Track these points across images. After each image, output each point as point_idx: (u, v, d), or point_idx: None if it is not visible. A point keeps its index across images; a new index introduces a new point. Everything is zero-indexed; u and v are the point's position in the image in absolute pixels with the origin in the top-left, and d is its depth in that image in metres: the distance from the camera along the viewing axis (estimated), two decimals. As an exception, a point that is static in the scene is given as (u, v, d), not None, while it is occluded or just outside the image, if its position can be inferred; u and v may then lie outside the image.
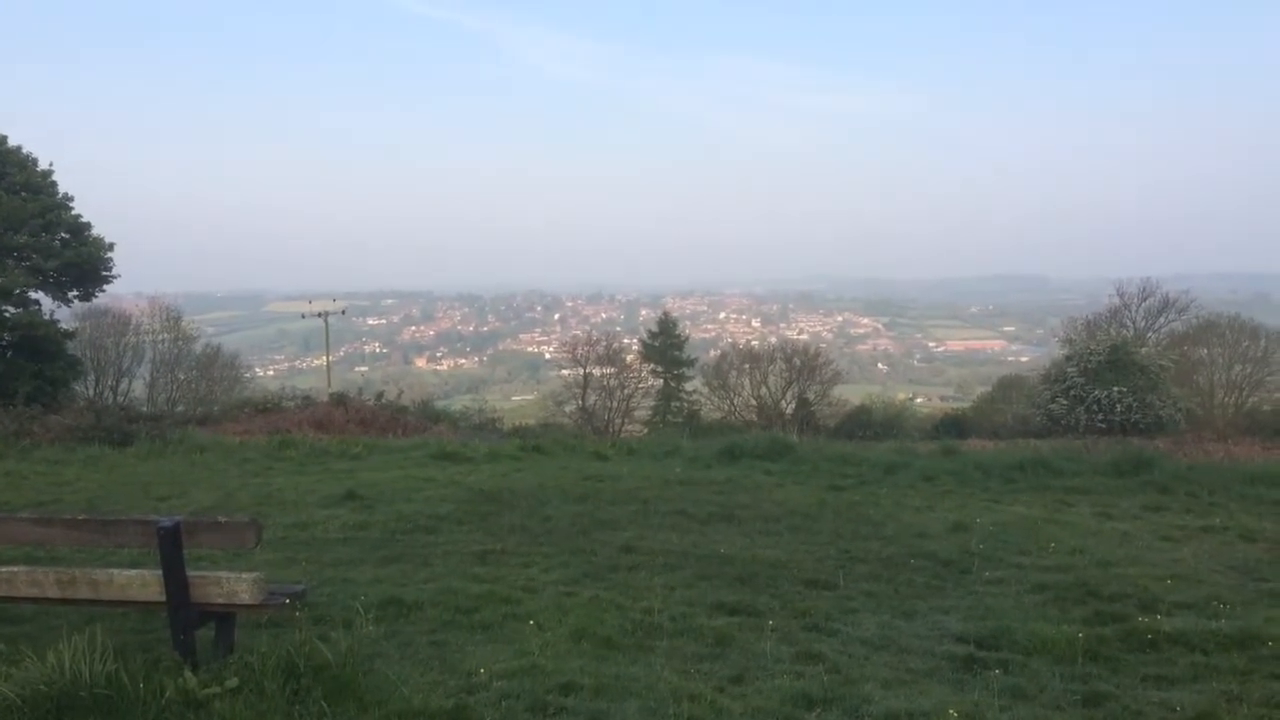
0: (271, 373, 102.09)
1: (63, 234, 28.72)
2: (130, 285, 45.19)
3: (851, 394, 51.92)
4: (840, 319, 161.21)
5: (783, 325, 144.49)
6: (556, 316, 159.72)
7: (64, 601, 5.79)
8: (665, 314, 60.91)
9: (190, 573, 5.46)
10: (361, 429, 26.09)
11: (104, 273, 29.50)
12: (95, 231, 29.37)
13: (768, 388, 46.30)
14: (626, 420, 47.26)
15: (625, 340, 63.06)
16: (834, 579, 8.25)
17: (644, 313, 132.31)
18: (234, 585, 5.45)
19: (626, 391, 48.52)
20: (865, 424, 36.03)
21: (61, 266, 28.25)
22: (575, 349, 50.43)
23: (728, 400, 47.10)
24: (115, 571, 5.64)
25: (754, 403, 45.94)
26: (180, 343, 43.95)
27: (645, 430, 43.82)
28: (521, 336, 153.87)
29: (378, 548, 9.42)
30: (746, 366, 47.74)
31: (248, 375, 54.01)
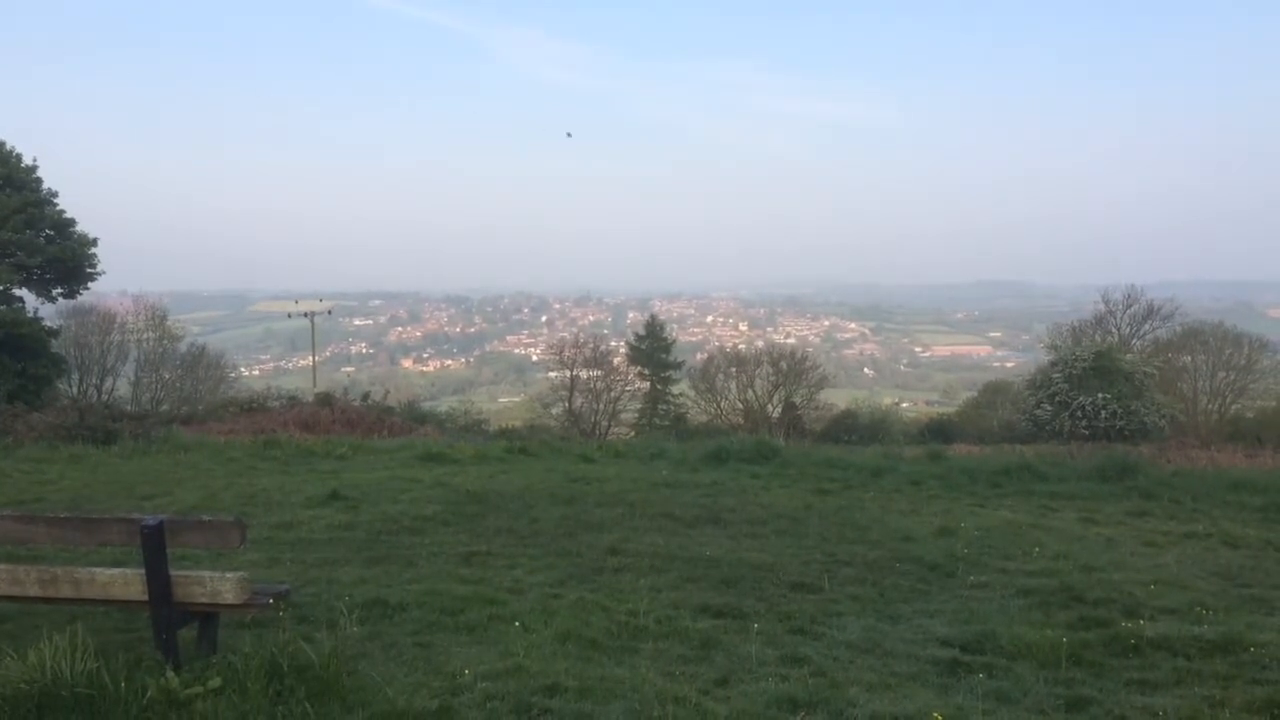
0: (257, 373, 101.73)
1: (47, 230, 28.56)
2: (115, 283, 45.10)
3: (838, 398, 51.97)
4: (827, 323, 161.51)
5: (770, 329, 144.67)
6: (544, 318, 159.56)
7: (46, 600, 5.75)
8: (653, 317, 60.95)
9: (173, 572, 5.44)
10: (347, 429, 26.04)
11: (88, 269, 29.34)
12: (80, 228, 29.25)
13: (754, 391, 46.41)
14: (613, 423, 47.35)
15: (612, 343, 63.25)
16: (819, 582, 8.26)
17: (631, 315, 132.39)
18: (217, 585, 5.42)
19: (613, 394, 48.62)
20: (851, 428, 36.10)
21: (45, 263, 28.09)
22: (562, 351, 50.50)
23: (714, 403, 47.19)
24: (98, 570, 5.60)
25: (740, 406, 46.04)
26: (165, 342, 43.81)
27: (632, 433, 43.84)
28: (509, 338, 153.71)
29: (363, 548, 9.39)
30: (733, 370, 47.86)
31: (233, 375, 53.80)
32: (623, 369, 51.40)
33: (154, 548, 5.32)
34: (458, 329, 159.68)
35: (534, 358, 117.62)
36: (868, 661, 6.19)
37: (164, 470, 15.00)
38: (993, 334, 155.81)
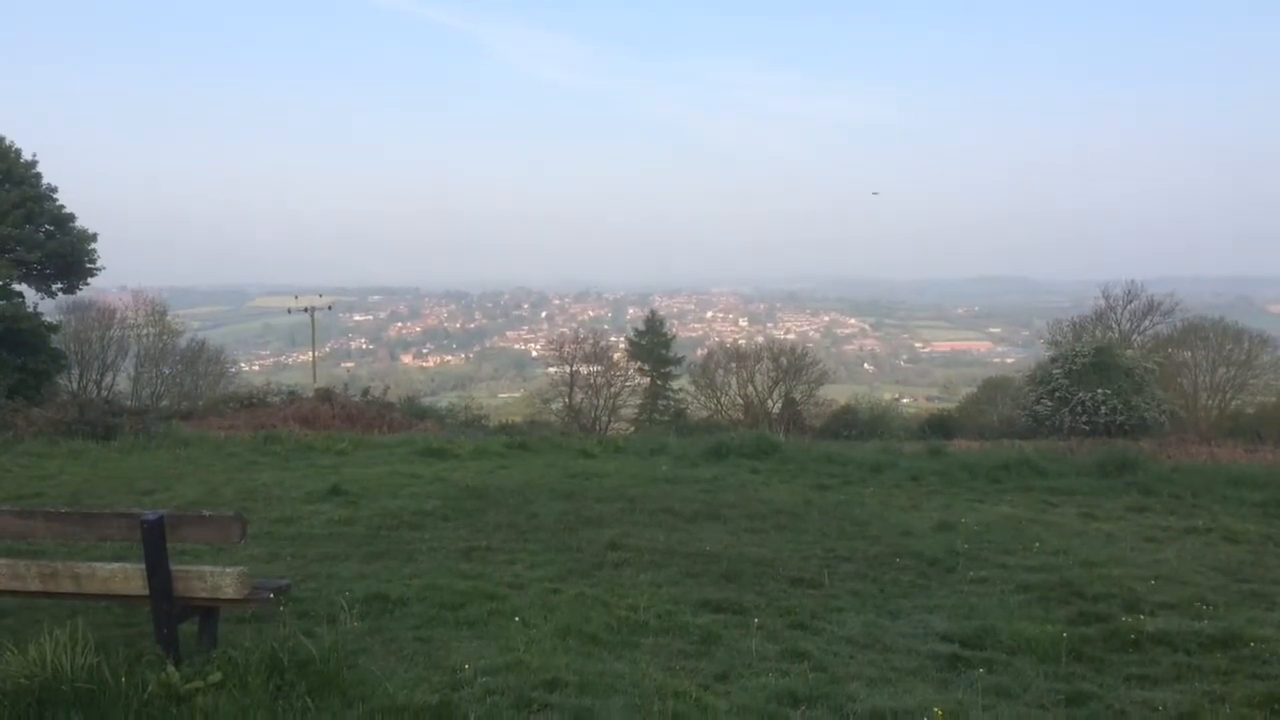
0: (257, 368, 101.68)
1: (46, 225, 28.57)
2: (115, 279, 45.12)
3: (838, 394, 51.98)
4: (827, 319, 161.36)
5: (770, 325, 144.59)
6: (544, 314, 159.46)
7: (46, 595, 5.75)
8: (652, 312, 61.00)
9: (174, 567, 5.43)
10: (347, 425, 26.02)
11: (88, 264, 29.37)
12: (79, 223, 29.25)
13: (754, 387, 46.37)
14: (613, 418, 47.31)
15: (612, 338, 63.25)
16: (819, 578, 8.26)
17: (631, 311, 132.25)
18: (218, 580, 5.42)
19: (613, 389, 48.58)
20: (851, 424, 36.07)
21: (45, 258, 28.12)
22: (562, 347, 50.45)
23: (714, 399, 47.15)
24: (98, 565, 5.60)
25: (740, 402, 46.00)
26: (165, 337, 43.84)
27: (632, 428, 43.83)
28: (508, 334, 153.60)
29: (363, 543, 9.39)
30: (733, 365, 47.80)
31: (233, 370, 53.80)
32: (623, 364, 51.38)
33: (154, 543, 5.32)
34: (458, 324, 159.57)
35: (534, 353, 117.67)
36: (868, 657, 6.19)
37: (164, 465, 15.00)
38: (993, 329, 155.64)
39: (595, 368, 48.63)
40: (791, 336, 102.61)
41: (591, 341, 51.21)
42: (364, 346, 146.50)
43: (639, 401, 50.85)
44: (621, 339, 63.28)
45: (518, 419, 40.47)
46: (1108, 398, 27.91)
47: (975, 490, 13.33)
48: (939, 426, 34.43)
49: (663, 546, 9.25)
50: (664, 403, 50.82)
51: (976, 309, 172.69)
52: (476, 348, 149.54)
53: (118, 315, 41.28)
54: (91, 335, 38.80)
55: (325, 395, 32.29)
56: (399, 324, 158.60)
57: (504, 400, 78.02)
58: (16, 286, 27.94)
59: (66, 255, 28.42)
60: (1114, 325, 45.43)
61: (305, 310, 58.59)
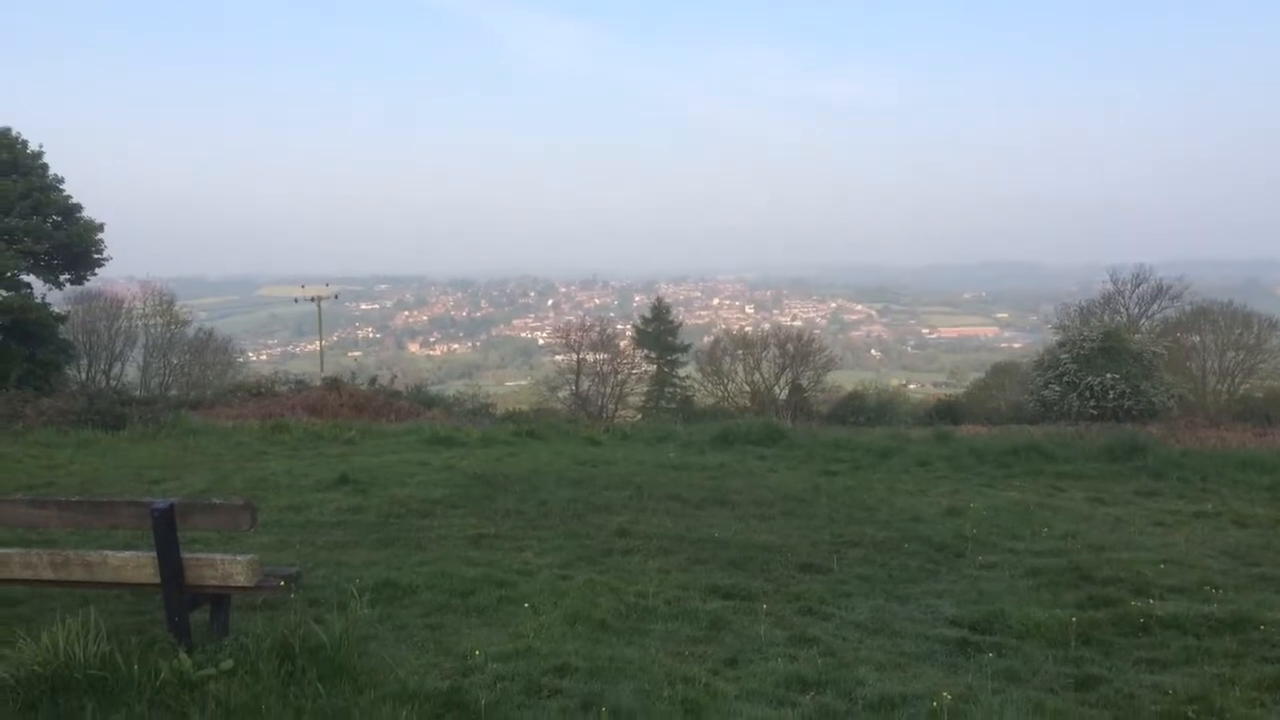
0: (264, 357, 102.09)
1: (54, 216, 28.54)
2: (122, 269, 45.23)
3: (845, 380, 52.00)
4: (834, 305, 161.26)
5: (776, 311, 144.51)
6: (550, 302, 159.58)
7: (58, 583, 5.78)
8: (659, 300, 60.93)
9: (185, 555, 5.46)
10: (355, 413, 26.05)
11: (95, 255, 29.33)
12: (86, 213, 29.23)
13: (761, 374, 46.33)
14: (620, 406, 47.31)
15: (619, 326, 63.12)
16: (828, 563, 8.27)
17: (638, 299, 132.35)
18: (228, 567, 5.44)
19: (620, 377, 48.56)
20: (859, 410, 36.02)
21: (52, 249, 28.09)
22: (569, 334, 50.44)
23: (721, 386, 47.11)
24: (109, 553, 5.62)
25: (747, 388, 45.97)
26: (173, 327, 43.94)
27: (639, 416, 43.87)
28: (515, 322, 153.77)
29: (372, 531, 9.42)
30: (740, 352, 47.75)
31: (240, 360, 54.02)
32: (629, 352, 51.36)
33: (164, 531, 5.34)
34: (464, 313, 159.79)
35: (540, 341, 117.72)
36: (877, 641, 6.20)
37: (173, 454, 15.06)
38: (1000, 315, 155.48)
39: (602, 355, 48.62)
40: (798, 323, 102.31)
41: (598, 329, 51.17)
42: (371, 335, 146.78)
43: (646, 389, 50.84)
44: (628, 326, 63.21)
45: (525, 407, 40.46)
46: (1116, 382, 27.81)
47: (983, 475, 13.33)
48: (947, 412, 34.37)
49: (671, 533, 9.27)
50: (671, 390, 50.80)
51: (984, 294, 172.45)
52: (483, 336, 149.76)
53: (125, 305, 41.41)
54: (99, 326, 38.90)
55: (333, 384, 32.30)
56: (406, 312, 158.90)
57: (511, 388, 78.21)
58: (24, 277, 27.93)
59: (74, 246, 28.39)
60: (1122, 310, 45.23)
61: (312, 300, 58.72)
